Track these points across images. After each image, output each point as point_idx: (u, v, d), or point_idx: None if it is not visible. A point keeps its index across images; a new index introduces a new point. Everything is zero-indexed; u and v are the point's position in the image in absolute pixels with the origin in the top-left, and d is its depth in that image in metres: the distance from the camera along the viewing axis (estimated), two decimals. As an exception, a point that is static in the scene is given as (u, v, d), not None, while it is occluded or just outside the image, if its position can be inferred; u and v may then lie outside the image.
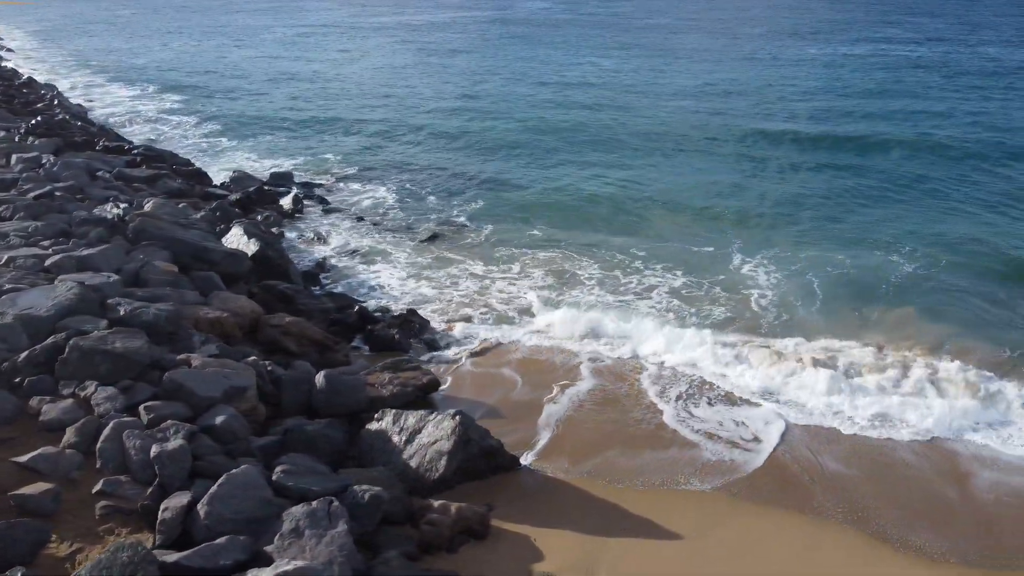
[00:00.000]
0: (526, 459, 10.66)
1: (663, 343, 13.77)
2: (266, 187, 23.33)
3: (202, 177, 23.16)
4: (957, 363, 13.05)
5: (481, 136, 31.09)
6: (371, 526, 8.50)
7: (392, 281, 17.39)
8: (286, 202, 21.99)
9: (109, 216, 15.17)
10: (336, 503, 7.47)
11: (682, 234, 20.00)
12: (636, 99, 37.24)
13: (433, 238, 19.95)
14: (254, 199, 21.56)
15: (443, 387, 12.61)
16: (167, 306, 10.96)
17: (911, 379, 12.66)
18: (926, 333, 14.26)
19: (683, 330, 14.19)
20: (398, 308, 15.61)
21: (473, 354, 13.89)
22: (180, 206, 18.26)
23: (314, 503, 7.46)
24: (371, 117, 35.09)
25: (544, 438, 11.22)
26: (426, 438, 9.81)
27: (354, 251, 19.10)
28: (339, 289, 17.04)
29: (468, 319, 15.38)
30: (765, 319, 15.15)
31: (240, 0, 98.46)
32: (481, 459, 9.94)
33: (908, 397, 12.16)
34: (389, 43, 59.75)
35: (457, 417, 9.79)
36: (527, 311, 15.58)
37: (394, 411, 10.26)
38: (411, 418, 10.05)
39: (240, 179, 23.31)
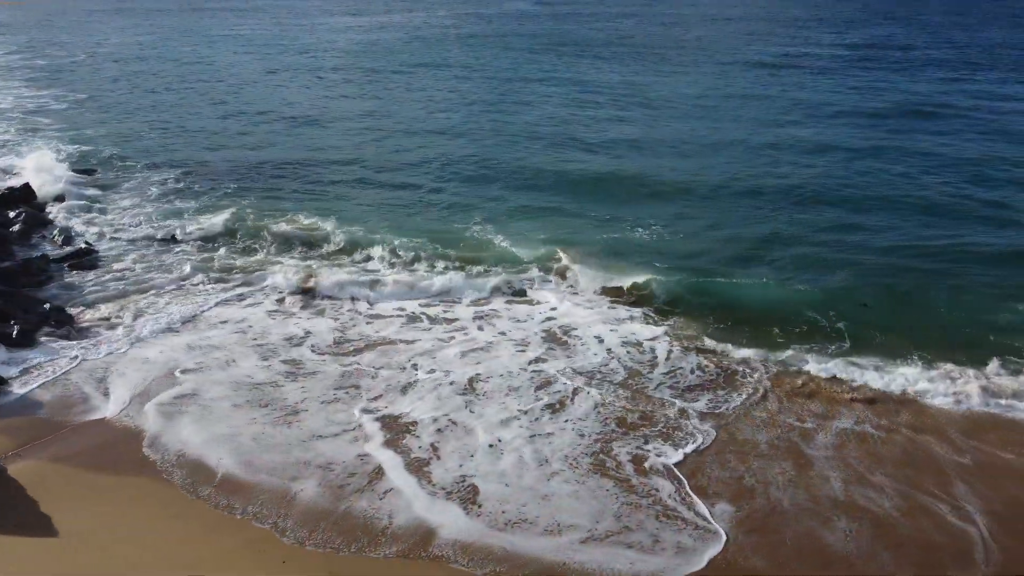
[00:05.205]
0: (14, 463, 11.12)
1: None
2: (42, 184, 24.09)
3: (-16, 175, 23.80)
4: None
5: (307, 137, 31.32)
6: None
7: (92, 281, 17.79)
8: (48, 199, 22.75)
9: None
10: None
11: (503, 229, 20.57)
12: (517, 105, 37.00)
13: (172, 239, 20.33)
14: (18, 196, 22.18)
15: (30, 388, 13.19)
16: None
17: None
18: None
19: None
20: (54, 304, 16.08)
21: (91, 357, 14.36)
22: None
23: None
24: (208, 116, 35.27)
25: (65, 439, 11.72)
26: None
27: (86, 251, 19.38)
28: (53, 290, 17.50)
29: (122, 321, 15.86)
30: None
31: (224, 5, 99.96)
32: (-65, 459, 10.36)
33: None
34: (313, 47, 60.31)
35: None
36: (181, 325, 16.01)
37: None
38: None
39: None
